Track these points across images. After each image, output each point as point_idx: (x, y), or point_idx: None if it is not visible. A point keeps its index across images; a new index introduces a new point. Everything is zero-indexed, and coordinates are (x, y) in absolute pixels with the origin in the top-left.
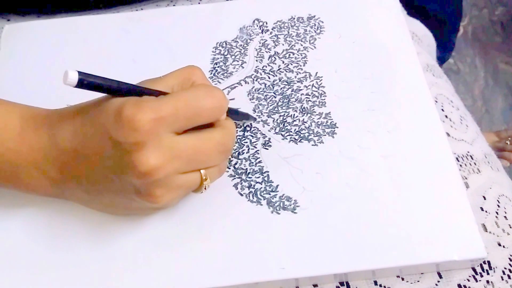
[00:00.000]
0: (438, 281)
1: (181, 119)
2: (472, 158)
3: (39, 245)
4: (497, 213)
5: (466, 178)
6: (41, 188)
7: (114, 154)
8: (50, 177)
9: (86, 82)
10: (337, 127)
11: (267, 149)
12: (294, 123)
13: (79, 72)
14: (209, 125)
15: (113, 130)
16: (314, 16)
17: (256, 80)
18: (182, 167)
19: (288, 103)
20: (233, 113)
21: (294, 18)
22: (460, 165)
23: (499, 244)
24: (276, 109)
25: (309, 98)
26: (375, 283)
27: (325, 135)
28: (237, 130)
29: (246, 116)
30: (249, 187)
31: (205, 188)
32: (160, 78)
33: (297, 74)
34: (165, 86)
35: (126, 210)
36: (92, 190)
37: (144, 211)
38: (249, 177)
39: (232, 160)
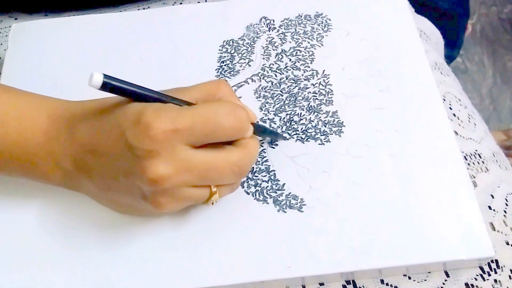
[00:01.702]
0: (446, 280)
1: (197, 134)
2: (480, 156)
3: (49, 241)
4: (505, 212)
5: (474, 177)
6: (54, 178)
7: (126, 156)
8: (64, 168)
9: (110, 85)
10: (344, 126)
11: (274, 148)
12: (301, 121)
13: (104, 75)
14: (230, 142)
15: (129, 134)
16: (322, 14)
17: (263, 78)
18: (192, 181)
19: (295, 102)
20: (260, 131)
21: (301, 16)
22: (468, 164)
23: (507, 243)
24: (282, 107)
25: (316, 96)
26: (382, 281)
27: (332, 134)
28: None
29: (275, 135)
30: (255, 186)
31: (212, 203)
32: (185, 89)
33: (304, 72)
34: (189, 98)
35: (131, 210)
36: (101, 187)
37: (148, 213)
38: (256, 176)
39: None
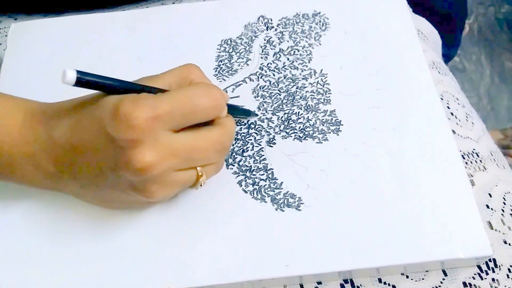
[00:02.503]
0: (443, 279)
1: (178, 118)
2: (478, 155)
3: (39, 239)
4: (503, 210)
5: (472, 176)
6: (36, 180)
7: (110, 150)
8: (45, 170)
9: (84, 80)
10: (342, 125)
11: (272, 146)
12: (299, 120)
13: (77, 71)
14: (208, 123)
15: (109, 127)
16: (320, 13)
17: (261, 78)
18: (178, 165)
19: (292, 101)
20: (232, 110)
21: (299, 15)
22: (466, 163)
23: (505, 242)
24: (280, 106)
25: (314, 95)
26: (380, 280)
27: (330, 132)
28: (241, 128)
29: (247, 113)
30: (253, 184)
31: (200, 185)
32: (158, 76)
33: (302, 71)
34: (162, 84)
35: (121, 204)
36: (87, 185)
37: (139, 205)
38: (254, 174)
39: (236, 158)
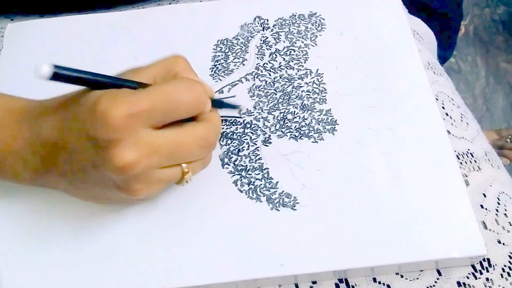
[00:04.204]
0: (438, 279)
1: (158, 114)
2: (472, 155)
3: (28, 239)
4: (497, 210)
5: (466, 176)
6: (24, 177)
7: (91, 149)
8: (33, 167)
9: (61, 75)
10: (338, 124)
11: (267, 146)
12: (295, 120)
13: (55, 66)
14: (193, 118)
15: (88, 126)
16: (316, 13)
17: (256, 77)
18: (161, 162)
19: (288, 100)
20: (217, 105)
21: (295, 15)
22: (461, 163)
23: (499, 242)
24: (276, 106)
25: (309, 95)
26: (374, 280)
27: (326, 132)
28: (237, 127)
29: (231, 107)
30: (249, 184)
31: (186, 181)
32: (142, 68)
33: (298, 71)
34: (147, 76)
35: (109, 200)
36: (73, 182)
37: (127, 202)
38: (249, 174)
39: (232, 157)
